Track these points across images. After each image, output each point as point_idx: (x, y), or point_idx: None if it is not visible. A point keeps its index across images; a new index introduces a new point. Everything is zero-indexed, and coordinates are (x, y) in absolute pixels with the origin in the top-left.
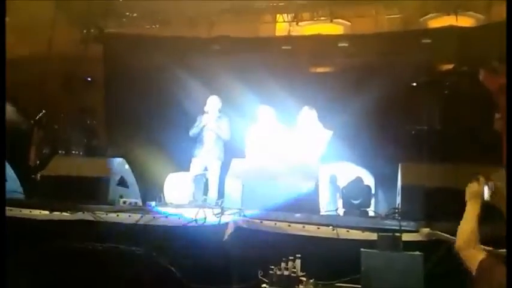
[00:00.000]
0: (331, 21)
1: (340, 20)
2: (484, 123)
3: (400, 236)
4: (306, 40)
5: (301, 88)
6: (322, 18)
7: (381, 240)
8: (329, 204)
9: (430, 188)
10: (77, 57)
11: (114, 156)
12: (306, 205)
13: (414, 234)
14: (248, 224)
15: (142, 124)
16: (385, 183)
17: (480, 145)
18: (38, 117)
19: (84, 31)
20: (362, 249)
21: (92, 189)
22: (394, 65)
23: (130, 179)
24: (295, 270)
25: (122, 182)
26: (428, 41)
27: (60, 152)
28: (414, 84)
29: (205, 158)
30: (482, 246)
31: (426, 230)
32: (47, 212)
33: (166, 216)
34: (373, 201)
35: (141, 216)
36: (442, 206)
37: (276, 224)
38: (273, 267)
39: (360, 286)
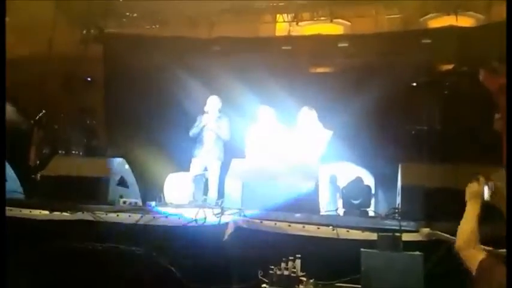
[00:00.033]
0: (331, 21)
1: (340, 20)
2: (484, 123)
3: (400, 236)
4: (306, 40)
5: (301, 88)
6: (322, 18)
7: (381, 240)
8: (329, 204)
9: (430, 188)
10: (77, 57)
11: (114, 156)
12: (306, 205)
13: (414, 234)
14: (248, 224)
15: (142, 124)
16: (385, 183)
17: (480, 145)
18: (38, 117)
19: (84, 31)
20: (362, 249)
21: (92, 189)
22: (394, 65)
23: (130, 179)
24: (295, 270)
25: (122, 182)
26: (428, 41)
27: (60, 152)
28: (414, 84)
29: (205, 158)
30: (482, 246)
31: (426, 230)
32: (47, 212)
33: (166, 216)
34: (373, 201)
35: (141, 216)
36: (442, 206)
37: (276, 224)
38: (273, 267)
39: (360, 286)
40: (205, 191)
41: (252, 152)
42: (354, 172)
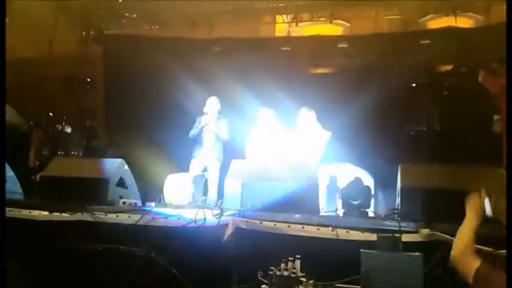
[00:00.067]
0: (331, 22)
1: (339, 21)
2: (484, 124)
3: (400, 237)
4: (305, 41)
5: (300, 89)
6: (321, 19)
7: (381, 241)
8: (329, 205)
9: (429, 189)
10: (76, 58)
11: (113, 157)
12: (306, 206)
13: (414, 235)
14: (247, 224)
15: (142, 125)
16: (385, 184)
17: (480, 146)
18: (39, 117)
19: (84, 32)
20: (362, 250)
21: (92, 190)
22: (394, 66)
23: (130, 179)
24: (294, 270)
25: (122, 183)
26: (428, 42)
27: (59, 152)
28: (413, 85)
29: (205, 158)
30: (480, 247)
31: (426, 230)
32: (46, 213)
33: (166, 217)
34: (372, 202)
35: (141, 217)
36: (441, 207)
37: (275, 224)
38: (272, 267)
39: (359, 287)
40: (205, 192)
41: (252, 153)
42: (353, 173)
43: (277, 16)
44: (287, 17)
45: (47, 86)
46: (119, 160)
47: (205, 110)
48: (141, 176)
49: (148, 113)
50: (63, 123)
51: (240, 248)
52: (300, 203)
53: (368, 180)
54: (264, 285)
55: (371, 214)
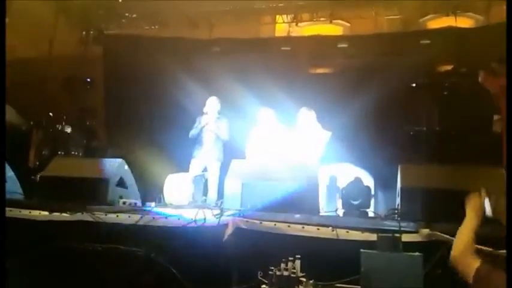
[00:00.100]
0: (331, 22)
1: (339, 21)
2: (484, 124)
3: (400, 237)
4: (305, 41)
5: (300, 89)
6: (321, 19)
7: (381, 241)
8: (329, 205)
9: (429, 189)
10: (76, 58)
11: (113, 157)
12: (306, 206)
13: (414, 235)
14: (247, 224)
15: (142, 125)
16: (385, 184)
17: (480, 146)
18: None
19: (84, 32)
20: (362, 250)
21: (92, 190)
22: (393, 66)
23: (130, 179)
24: (294, 271)
25: (122, 183)
26: (428, 42)
27: (59, 153)
28: (413, 85)
29: (205, 158)
30: (480, 246)
31: (426, 230)
32: (46, 213)
33: (166, 217)
34: (372, 202)
35: (141, 217)
36: (441, 207)
37: (275, 224)
38: (272, 267)
39: (359, 287)
40: (205, 192)
41: (252, 153)
42: (353, 173)
43: (277, 16)
44: (287, 17)
45: (47, 86)
46: (119, 160)
47: (205, 110)
48: (141, 176)
49: (148, 113)
50: (63, 123)
51: (240, 248)
52: (300, 203)
53: (368, 180)
54: (264, 285)
55: (371, 214)
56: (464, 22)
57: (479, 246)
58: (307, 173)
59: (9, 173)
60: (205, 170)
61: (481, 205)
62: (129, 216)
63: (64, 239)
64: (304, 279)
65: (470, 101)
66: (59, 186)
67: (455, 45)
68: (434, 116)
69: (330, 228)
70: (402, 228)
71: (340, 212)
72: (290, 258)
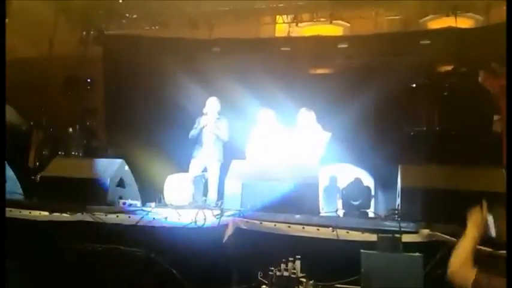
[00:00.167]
0: (331, 22)
1: (339, 21)
2: (484, 124)
3: (400, 237)
4: (305, 41)
5: (300, 89)
6: (321, 19)
7: (381, 241)
8: (329, 206)
9: (429, 190)
10: (76, 58)
11: (114, 157)
12: (306, 206)
13: (414, 235)
14: (248, 225)
15: (142, 125)
16: (385, 185)
17: (480, 146)
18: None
19: (84, 32)
20: (362, 251)
21: (92, 191)
22: (394, 66)
23: (130, 180)
24: (295, 271)
25: (122, 183)
26: (428, 42)
27: (60, 153)
28: (414, 85)
29: (205, 159)
30: (480, 246)
31: (426, 231)
32: (46, 213)
33: (166, 218)
34: (372, 202)
35: (141, 218)
36: (441, 207)
37: (275, 225)
38: (272, 268)
39: (359, 287)
40: (205, 192)
41: (252, 153)
42: (353, 173)
43: (277, 16)
44: (287, 17)
45: (47, 86)
46: (119, 160)
47: (205, 110)
48: (141, 176)
49: (148, 113)
50: (64, 123)
51: (240, 248)
52: (300, 203)
53: (368, 181)
54: (264, 286)
55: (371, 214)
56: (464, 22)
57: (479, 247)
58: (308, 174)
59: (9, 173)
60: (205, 170)
61: (482, 221)
62: (129, 217)
63: (64, 239)
64: (304, 280)
65: (470, 101)
66: (59, 186)
67: (455, 45)
68: (434, 116)
69: (330, 228)
70: (402, 229)
71: (341, 213)
72: (290, 259)
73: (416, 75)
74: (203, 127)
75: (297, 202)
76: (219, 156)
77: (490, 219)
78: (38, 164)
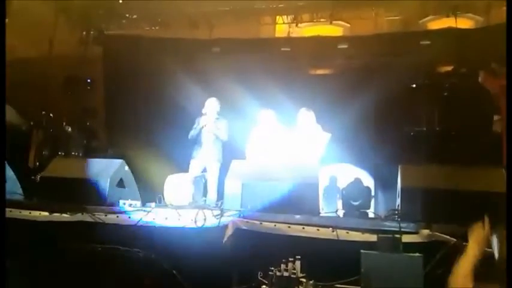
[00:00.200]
0: (331, 22)
1: (339, 22)
2: (484, 124)
3: (400, 238)
4: (305, 42)
5: (300, 89)
6: (321, 19)
7: (381, 241)
8: (329, 206)
9: (429, 190)
10: (77, 58)
11: (114, 158)
12: (306, 206)
13: (414, 235)
14: (248, 225)
15: (142, 125)
16: (385, 185)
17: (480, 146)
18: (39, 117)
19: (84, 33)
20: (362, 251)
21: (92, 191)
22: (394, 67)
23: (130, 180)
24: (295, 271)
25: (122, 184)
26: (428, 42)
27: (60, 153)
28: (413, 85)
29: (204, 159)
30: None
31: (426, 231)
32: (46, 214)
33: (166, 218)
34: (372, 202)
35: (141, 218)
36: (441, 208)
37: (275, 225)
38: (272, 268)
39: (359, 287)
40: (205, 193)
41: (252, 153)
42: (353, 173)
43: (277, 17)
44: (287, 17)
45: (47, 86)
46: (120, 161)
47: (204, 110)
48: (141, 176)
49: (148, 113)
50: (64, 124)
51: (240, 248)
52: (300, 203)
53: (368, 181)
54: (264, 286)
55: (371, 215)
56: (464, 23)
57: None
58: (307, 174)
59: (9, 173)
60: (204, 170)
61: (484, 237)
62: (129, 217)
63: (64, 239)
64: (304, 280)
65: (470, 101)
66: (59, 186)
67: (455, 46)
68: (434, 116)
69: (330, 229)
70: (402, 229)
71: (340, 213)
72: (290, 259)
73: (416, 75)
74: (202, 127)
75: (297, 202)
76: (218, 156)
77: (494, 238)
78: (38, 164)
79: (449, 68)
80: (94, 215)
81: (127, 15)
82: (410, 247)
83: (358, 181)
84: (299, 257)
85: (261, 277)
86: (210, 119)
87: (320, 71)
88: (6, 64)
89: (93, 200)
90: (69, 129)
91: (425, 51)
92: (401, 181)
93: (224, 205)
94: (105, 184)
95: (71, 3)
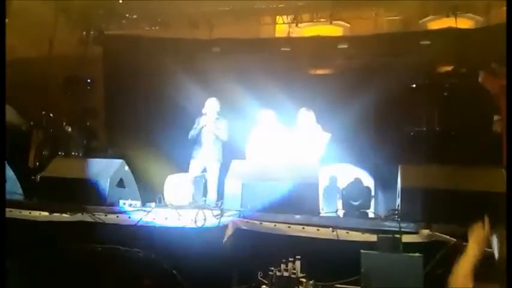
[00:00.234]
0: (331, 22)
1: (339, 22)
2: (484, 124)
3: (400, 238)
4: (305, 42)
5: (300, 89)
6: (321, 19)
7: (381, 241)
8: (329, 206)
9: (429, 190)
10: (77, 58)
11: (114, 158)
12: (306, 206)
13: (414, 235)
14: (248, 225)
15: (142, 125)
16: (385, 185)
17: (480, 146)
18: (39, 117)
19: (84, 33)
20: (362, 251)
21: (92, 191)
22: (394, 67)
23: (130, 180)
24: (295, 271)
25: (122, 184)
26: (428, 42)
27: (60, 153)
28: (413, 85)
29: (204, 159)
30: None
31: (426, 231)
32: (46, 214)
33: (166, 218)
34: (372, 202)
35: (141, 218)
36: (441, 208)
37: (275, 225)
38: (272, 268)
39: (359, 287)
40: (205, 193)
41: (252, 153)
42: (353, 173)
43: (277, 17)
44: (287, 17)
45: (47, 86)
46: (120, 161)
47: (204, 110)
48: (142, 176)
49: (148, 113)
50: (64, 124)
51: (240, 248)
52: (300, 203)
53: (368, 181)
54: (264, 286)
55: (371, 215)
56: (464, 23)
57: None
58: (307, 174)
59: (9, 173)
60: (204, 171)
61: (484, 237)
62: (129, 217)
63: (64, 239)
64: (304, 280)
65: (470, 101)
66: (59, 186)
67: (455, 46)
68: (434, 116)
69: (330, 229)
70: (402, 229)
71: (340, 213)
72: (290, 259)
73: (416, 75)
74: (202, 127)
75: (297, 202)
76: (218, 156)
77: (494, 238)
78: (38, 164)
79: (449, 68)
80: (94, 215)
81: (127, 15)
82: (410, 247)
83: (358, 181)
84: (299, 257)
85: (261, 277)
86: (210, 119)
87: (320, 71)
88: (6, 64)
89: (93, 200)
90: (69, 129)
91: (425, 51)
92: (401, 181)
93: (224, 205)
94: (105, 184)
95: (71, 3)
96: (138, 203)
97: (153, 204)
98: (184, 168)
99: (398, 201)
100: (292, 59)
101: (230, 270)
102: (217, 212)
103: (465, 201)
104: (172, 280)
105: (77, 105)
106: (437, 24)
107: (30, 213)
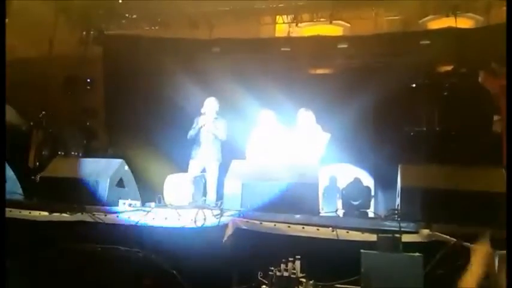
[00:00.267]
0: (331, 22)
1: (339, 22)
2: (484, 124)
3: (400, 237)
4: (305, 41)
5: (300, 89)
6: (321, 19)
7: (381, 241)
8: (329, 206)
9: (429, 189)
10: (77, 58)
11: (113, 158)
12: (306, 206)
13: (414, 235)
14: (247, 225)
15: (142, 125)
16: (385, 185)
17: (480, 146)
18: (39, 117)
19: (84, 33)
20: (362, 251)
21: (92, 191)
22: (394, 67)
23: (130, 180)
24: (294, 271)
25: (122, 183)
26: (428, 42)
27: (60, 153)
28: (413, 85)
29: (203, 159)
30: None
31: (426, 231)
32: (46, 213)
33: (166, 218)
34: (372, 202)
35: (141, 218)
36: (441, 207)
37: (275, 225)
38: (272, 268)
39: (359, 287)
40: (205, 193)
41: (252, 153)
42: (353, 173)
43: (277, 16)
44: (287, 17)
45: (47, 86)
46: (119, 160)
47: (203, 110)
48: (141, 176)
49: (148, 113)
50: (63, 124)
51: (240, 248)
52: (300, 203)
53: (368, 181)
54: (264, 286)
55: (371, 214)
56: (464, 23)
57: None
58: (307, 174)
59: (9, 173)
60: (204, 170)
61: (487, 253)
62: (129, 217)
63: (64, 239)
64: (304, 280)
65: (470, 101)
66: (59, 186)
67: (455, 45)
68: (434, 116)
69: (330, 228)
70: (402, 229)
71: (340, 213)
72: (290, 259)
73: (416, 75)
74: (201, 127)
75: (297, 202)
76: (217, 155)
77: (496, 258)
78: (38, 164)
79: (449, 68)
80: (94, 214)
81: (127, 15)
82: (410, 247)
83: (358, 181)
84: (299, 256)
85: (261, 277)
86: (209, 119)
87: (320, 71)
88: (6, 64)
89: (93, 200)
90: (69, 129)
91: (425, 51)
92: (401, 181)
93: (224, 205)
94: (105, 184)
95: (71, 3)
96: (138, 203)
97: (152, 204)
98: (184, 168)
99: (398, 201)
100: (292, 59)
101: (230, 270)
102: (217, 211)
103: (465, 201)
104: (172, 280)
105: (76, 105)
106: (437, 24)
107: (30, 213)
